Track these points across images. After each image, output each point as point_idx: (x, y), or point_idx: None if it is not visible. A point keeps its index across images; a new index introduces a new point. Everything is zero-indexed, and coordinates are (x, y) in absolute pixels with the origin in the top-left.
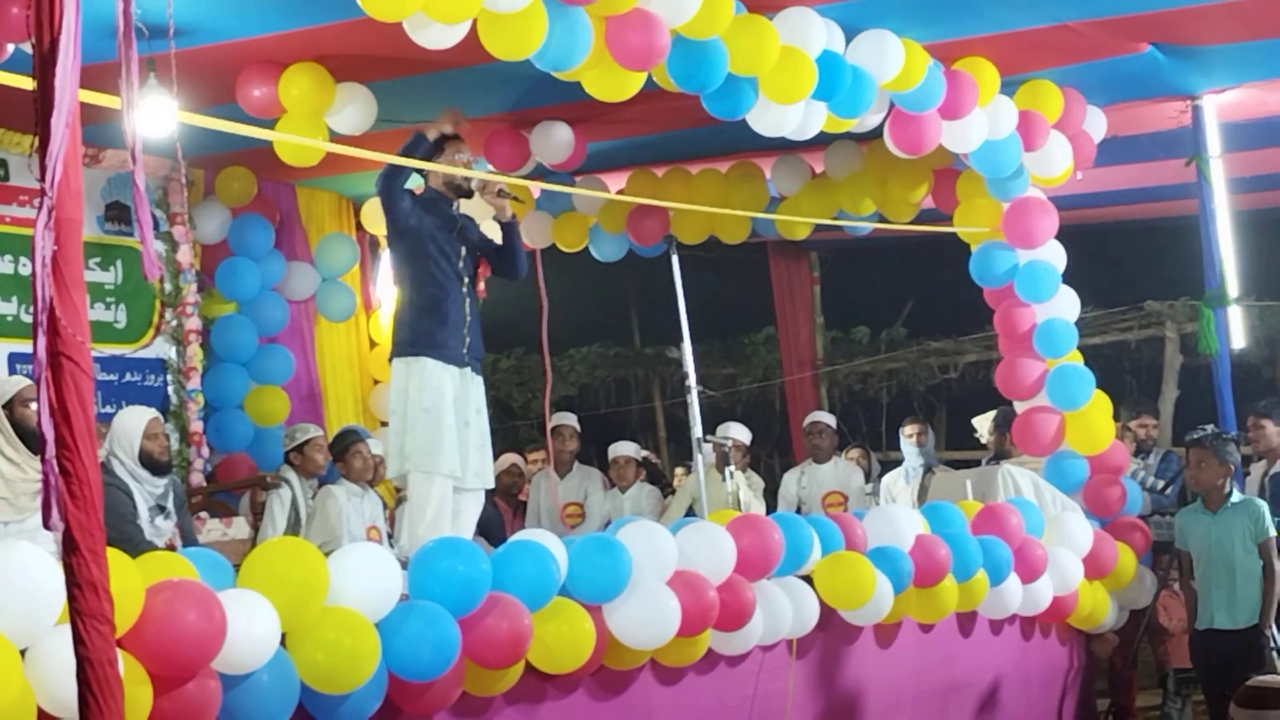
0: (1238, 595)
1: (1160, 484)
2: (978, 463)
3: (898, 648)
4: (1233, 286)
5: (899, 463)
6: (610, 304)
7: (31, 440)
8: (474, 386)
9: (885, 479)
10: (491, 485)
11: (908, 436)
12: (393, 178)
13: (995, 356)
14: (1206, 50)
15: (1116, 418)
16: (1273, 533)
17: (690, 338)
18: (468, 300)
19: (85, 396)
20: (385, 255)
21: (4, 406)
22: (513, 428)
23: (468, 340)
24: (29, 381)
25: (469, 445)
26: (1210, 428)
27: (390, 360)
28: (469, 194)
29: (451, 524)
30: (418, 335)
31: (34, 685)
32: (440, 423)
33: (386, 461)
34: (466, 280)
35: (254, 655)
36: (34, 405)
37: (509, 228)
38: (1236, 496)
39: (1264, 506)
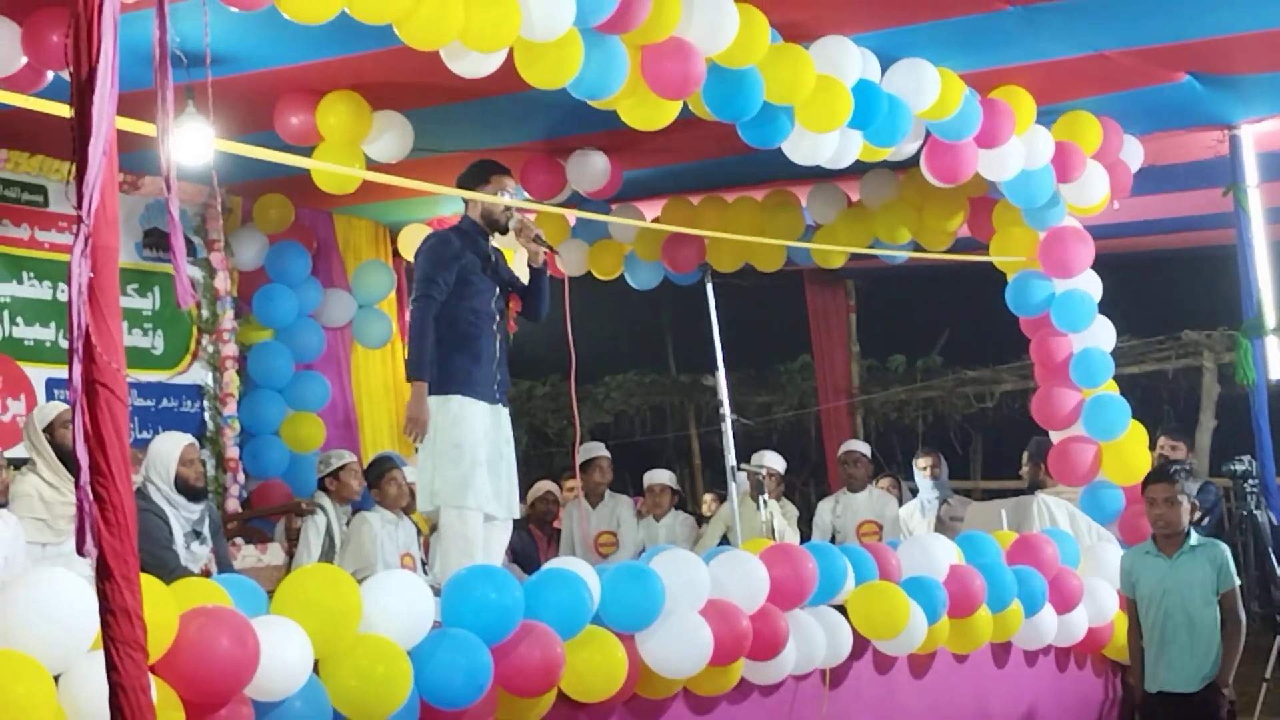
0: (1194, 654)
1: (1197, 515)
2: (1014, 493)
3: (932, 678)
4: (1270, 316)
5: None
6: (646, 332)
7: (72, 464)
8: (503, 419)
9: (902, 511)
10: (519, 515)
11: (922, 469)
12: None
13: (1031, 386)
14: (1244, 79)
15: (1152, 447)
16: (1237, 582)
17: (725, 366)
18: (499, 337)
19: (120, 423)
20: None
21: (45, 430)
22: (548, 455)
23: (498, 377)
24: (66, 405)
25: (500, 478)
26: (1248, 459)
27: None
28: (505, 231)
29: (489, 559)
30: (450, 373)
31: (67, 711)
32: (471, 459)
33: (416, 497)
34: (498, 317)
35: (287, 682)
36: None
37: (538, 272)
38: (1195, 539)
39: (1227, 552)
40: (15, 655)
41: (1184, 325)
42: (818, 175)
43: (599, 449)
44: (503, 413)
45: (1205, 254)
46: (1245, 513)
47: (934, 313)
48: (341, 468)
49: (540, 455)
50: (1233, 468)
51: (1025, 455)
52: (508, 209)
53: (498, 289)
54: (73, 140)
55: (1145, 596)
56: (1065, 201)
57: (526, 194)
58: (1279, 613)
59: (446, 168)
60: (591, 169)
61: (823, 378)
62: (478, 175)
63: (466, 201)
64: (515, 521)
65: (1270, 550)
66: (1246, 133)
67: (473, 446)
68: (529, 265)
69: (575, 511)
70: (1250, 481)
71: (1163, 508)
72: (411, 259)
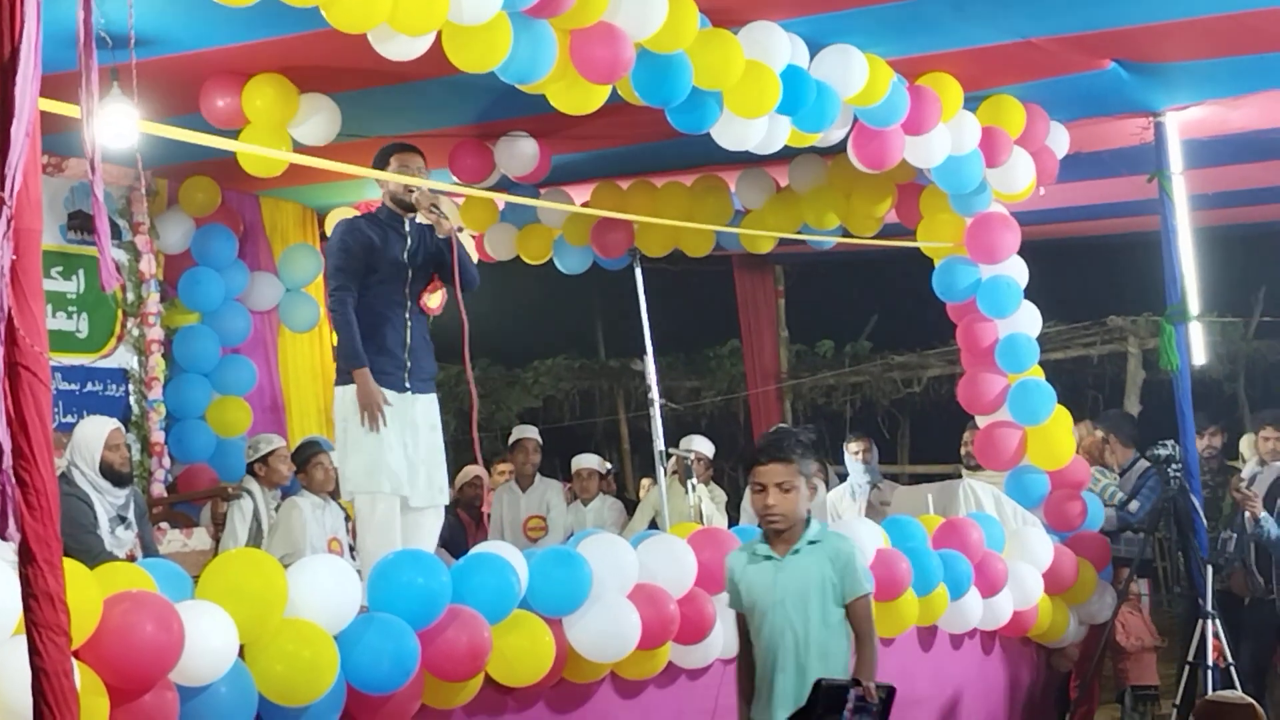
0: (809, 676)
1: (1127, 499)
2: (941, 477)
3: None
4: (1194, 303)
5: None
6: (575, 316)
7: None
8: (421, 406)
9: (830, 496)
10: (447, 500)
11: (854, 453)
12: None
13: (958, 371)
14: (1169, 67)
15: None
16: (869, 587)
17: (654, 350)
18: (410, 323)
19: (43, 407)
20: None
21: None
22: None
23: (409, 364)
24: None
25: (415, 463)
26: (1171, 443)
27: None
28: (414, 208)
29: (410, 541)
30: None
31: None
32: (378, 444)
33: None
34: (410, 304)
35: (212, 667)
36: None
37: (449, 243)
38: (815, 531)
39: (855, 548)
40: None
41: (1109, 311)
42: (746, 160)
43: (528, 430)
44: (420, 399)
45: (1130, 240)
46: (1169, 496)
47: (862, 298)
48: (271, 453)
49: (468, 440)
50: (1157, 452)
51: (967, 435)
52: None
53: (410, 272)
54: None
55: (756, 610)
56: (992, 188)
57: (454, 177)
58: (1201, 597)
59: (373, 152)
60: (520, 153)
61: (751, 363)
62: (380, 159)
63: (380, 187)
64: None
65: (1193, 534)
66: (1171, 120)
67: (377, 434)
68: (438, 237)
69: (505, 495)
70: (1174, 466)
71: (775, 495)
72: None
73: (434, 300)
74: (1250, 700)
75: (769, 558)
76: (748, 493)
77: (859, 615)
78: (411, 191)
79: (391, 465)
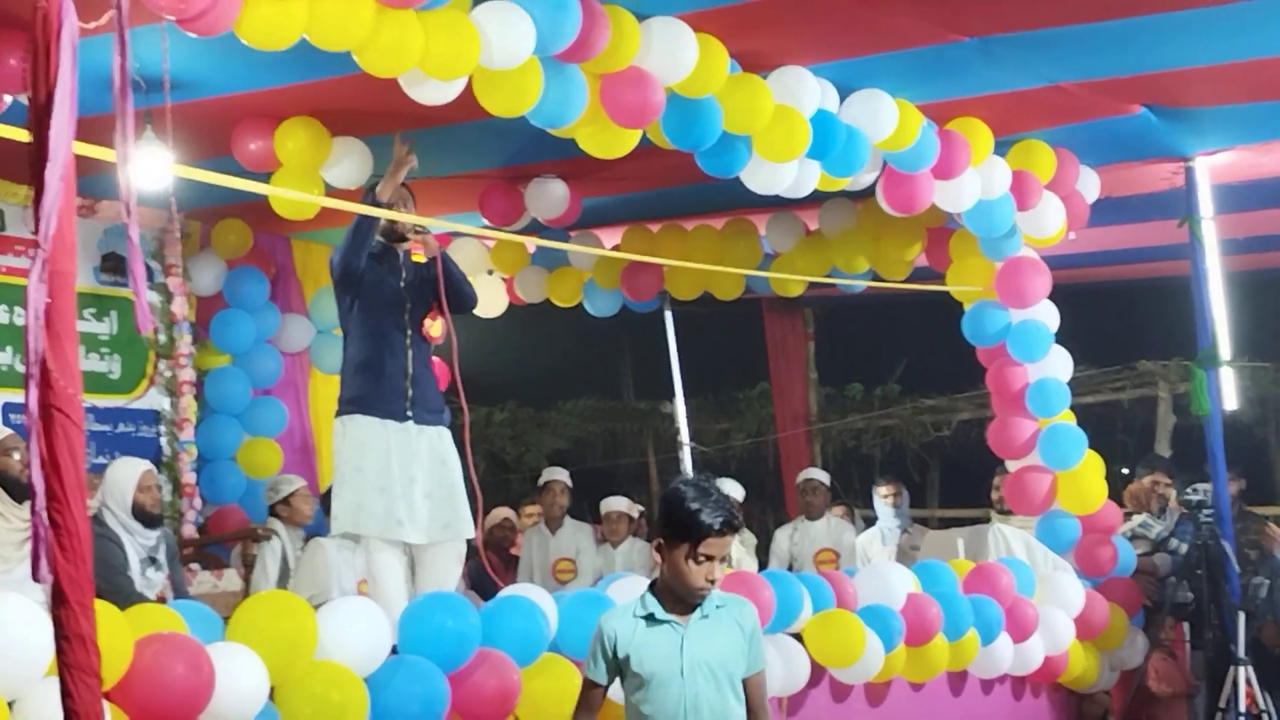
0: None
1: (1178, 544)
2: (971, 521)
3: (888, 706)
4: (1225, 347)
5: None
6: (603, 358)
7: (15, 490)
8: (427, 438)
9: (860, 539)
10: (470, 535)
11: (883, 497)
12: (360, 246)
13: (988, 415)
14: (1199, 112)
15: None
16: (764, 663)
17: (684, 393)
18: (411, 352)
19: (76, 449)
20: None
21: None
22: (505, 480)
23: (410, 392)
24: (10, 431)
25: (414, 499)
26: (1202, 488)
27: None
28: (404, 239)
29: (424, 581)
30: (353, 393)
31: None
32: (367, 483)
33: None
34: (410, 332)
35: (242, 709)
36: (16, 455)
37: (443, 266)
38: (719, 595)
39: (754, 611)
40: None
41: (1139, 355)
42: (776, 204)
43: (557, 472)
44: (426, 431)
45: (1160, 285)
46: (1201, 542)
47: (892, 341)
48: (292, 493)
49: (498, 481)
50: (1189, 498)
51: (997, 479)
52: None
53: (409, 302)
54: (30, 165)
55: (655, 681)
56: (1022, 232)
57: (484, 219)
58: (1233, 643)
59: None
60: (550, 196)
61: (780, 405)
62: (367, 194)
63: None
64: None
65: (1225, 579)
66: (1201, 165)
67: (375, 470)
68: (422, 261)
69: (534, 538)
70: (1206, 511)
71: (720, 568)
72: None
73: (436, 329)
74: None
75: (667, 622)
76: (777, 535)
77: (758, 689)
78: (395, 222)
79: (374, 508)
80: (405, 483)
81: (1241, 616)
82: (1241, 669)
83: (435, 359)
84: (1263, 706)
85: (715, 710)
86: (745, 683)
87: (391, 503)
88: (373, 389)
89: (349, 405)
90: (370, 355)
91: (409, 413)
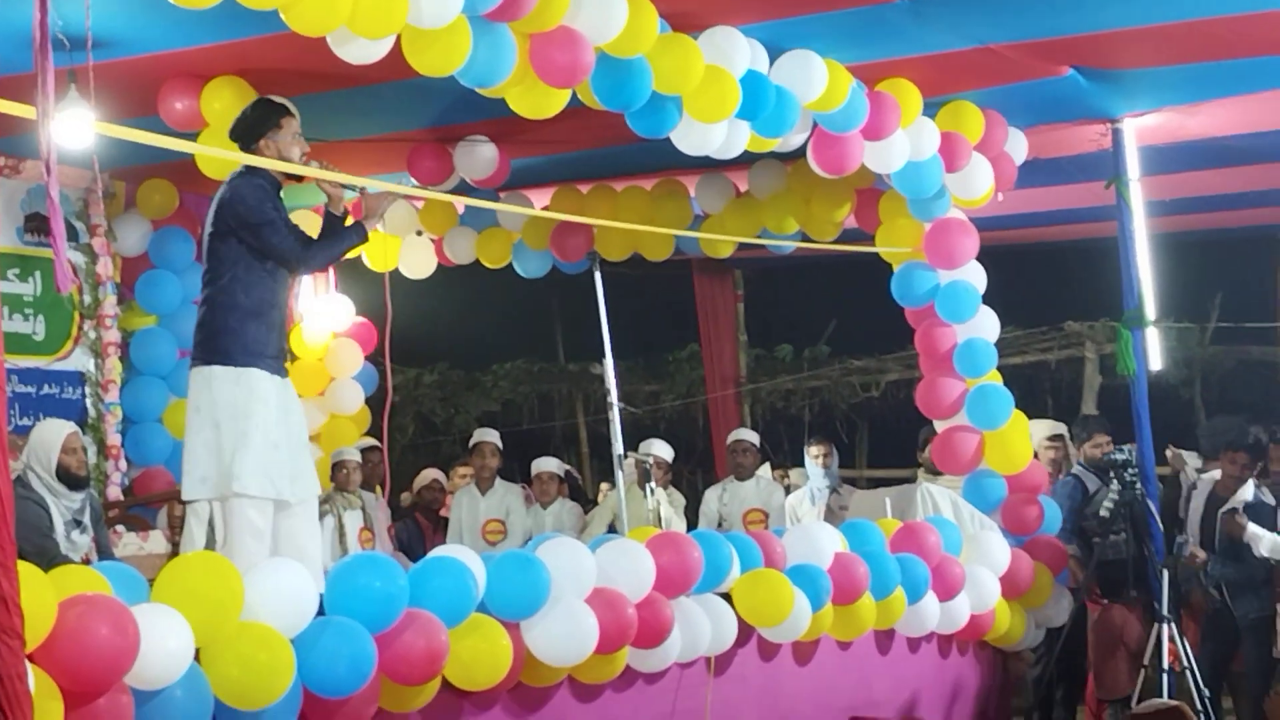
0: None
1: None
2: (899, 481)
3: (816, 665)
4: (1151, 308)
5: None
6: (534, 320)
7: None
8: (291, 393)
9: (789, 500)
10: (319, 490)
11: (814, 457)
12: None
13: (917, 375)
14: (1127, 74)
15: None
16: None
17: (613, 354)
18: (287, 303)
19: None
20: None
21: None
22: (435, 443)
23: (282, 346)
24: None
25: (296, 458)
26: (1128, 448)
27: (202, 366)
28: (298, 179)
29: (292, 545)
30: (245, 343)
31: None
32: (265, 441)
33: (188, 480)
34: (288, 279)
35: (167, 670)
36: None
37: (335, 220)
38: None
39: None
40: None
41: (1066, 316)
42: (706, 165)
43: (488, 433)
44: (289, 386)
45: (1088, 246)
46: (1127, 501)
47: (821, 303)
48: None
49: (427, 444)
50: (1114, 457)
51: (923, 441)
52: (304, 152)
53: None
54: None
55: None
56: (951, 193)
57: (412, 180)
58: (1157, 600)
59: (333, 155)
60: (480, 157)
61: (710, 367)
62: (264, 118)
63: (255, 149)
64: (401, 509)
65: (1149, 538)
66: (1129, 126)
67: (266, 427)
68: (328, 210)
69: (464, 499)
70: (1131, 470)
71: None
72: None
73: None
74: (1176, 704)
75: None
76: (706, 495)
77: None
78: (304, 156)
79: (277, 464)
80: (288, 439)
81: (1165, 574)
82: (1165, 625)
83: (362, 319)
84: (1185, 663)
85: None
86: None
87: (290, 462)
88: (267, 341)
89: (242, 356)
90: (263, 304)
91: (281, 369)
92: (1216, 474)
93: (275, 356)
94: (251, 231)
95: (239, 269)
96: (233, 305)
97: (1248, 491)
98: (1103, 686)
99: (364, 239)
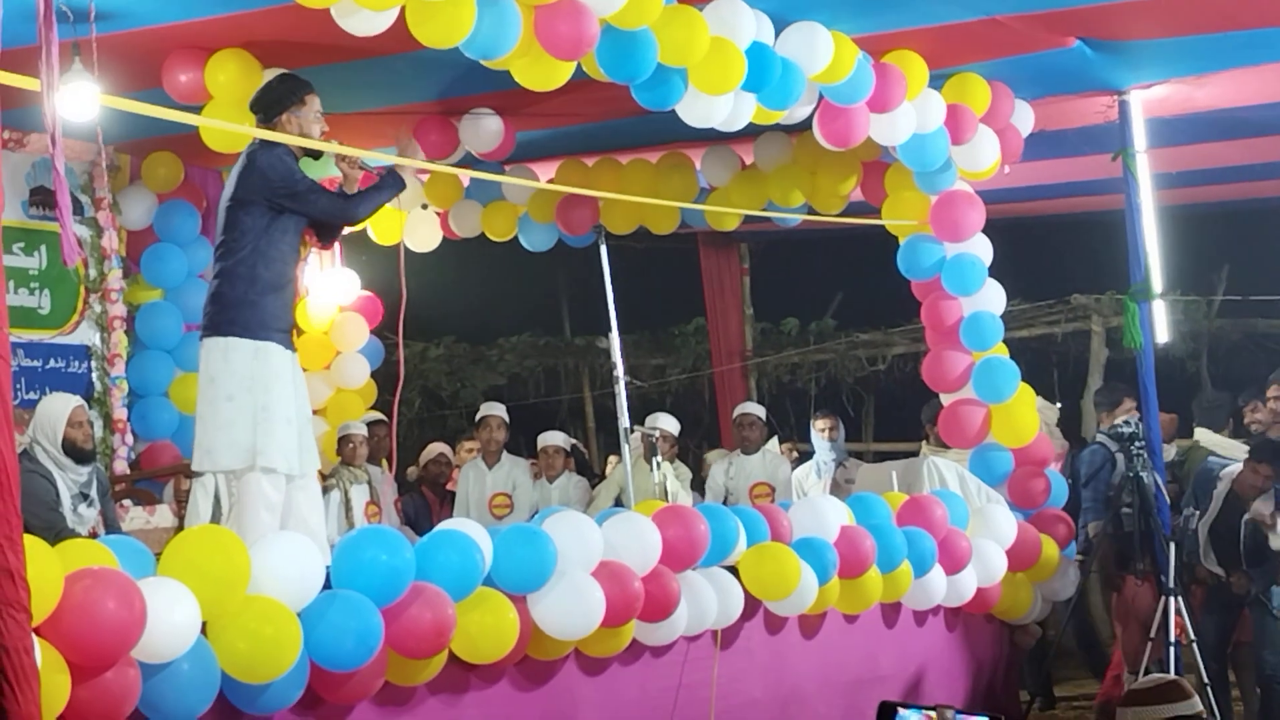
0: None
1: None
2: (905, 455)
3: (822, 638)
4: (1157, 281)
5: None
6: (540, 294)
7: None
8: (299, 368)
9: (796, 473)
10: (319, 466)
11: (820, 430)
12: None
13: (923, 349)
14: (1134, 45)
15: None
16: None
17: (619, 328)
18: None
19: (3, 384)
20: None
21: None
22: (441, 417)
23: (292, 321)
24: None
25: (305, 433)
26: (1134, 421)
27: (218, 337)
28: (318, 155)
29: (302, 517)
30: (264, 317)
31: None
32: (282, 416)
33: (199, 451)
34: (301, 253)
35: (174, 644)
36: None
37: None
38: None
39: None
40: None
41: (1073, 289)
42: (712, 138)
43: (494, 407)
44: (296, 360)
45: (1094, 219)
46: (1133, 474)
47: (827, 276)
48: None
49: (434, 417)
50: (1120, 430)
51: (925, 417)
52: (324, 131)
53: (305, 221)
54: None
55: None
56: (957, 166)
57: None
58: (1163, 574)
59: (338, 128)
60: (485, 130)
61: (716, 340)
62: (290, 92)
63: (277, 123)
64: (407, 483)
65: (1155, 511)
66: (1135, 98)
67: (283, 402)
68: (341, 189)
69: (470, 473)
70: (1137, 443)
71: None
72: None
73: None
74: (1175, 678)
75: None
76: (713, 469)
77: None
78: (323, 138)
79: (289, 440)
80: (298, 415)
81: (1172, 547)
82: (1172, 598)
83: (368, 293)
84: (1192, 636)
85: None
86: None
87: (299, 438)
88: (283, 316)
89: (261, 330)
90: (280, 278)
91: (292, 343)
92: (1237, 467)
93: (287, 330)
94: (296, 199)
95: (261, 242)
96: (253, 278)
97: (1269, 503)
98: (1128, 659)
99: (403, 186)
